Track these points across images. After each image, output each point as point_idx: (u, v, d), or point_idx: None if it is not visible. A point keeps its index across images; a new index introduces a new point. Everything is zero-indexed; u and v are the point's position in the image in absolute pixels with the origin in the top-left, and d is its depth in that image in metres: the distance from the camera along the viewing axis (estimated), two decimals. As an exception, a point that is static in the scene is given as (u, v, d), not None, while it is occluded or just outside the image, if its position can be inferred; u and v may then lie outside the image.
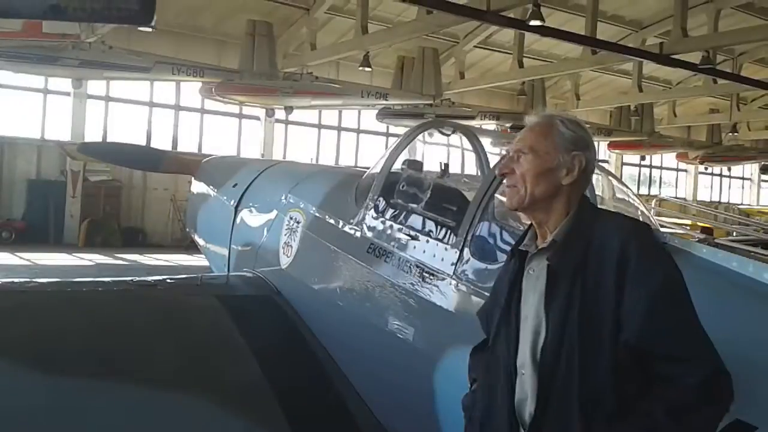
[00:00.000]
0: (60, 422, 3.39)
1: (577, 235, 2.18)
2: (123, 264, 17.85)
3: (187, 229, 8.63)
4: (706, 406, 1.98)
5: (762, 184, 40.17)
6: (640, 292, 2.03)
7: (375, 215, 4.29)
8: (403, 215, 4.15)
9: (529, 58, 23.68)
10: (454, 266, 3.55)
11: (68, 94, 21.24)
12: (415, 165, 4.57)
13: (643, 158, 33.15)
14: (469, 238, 3.54)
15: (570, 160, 2.25)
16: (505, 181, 2.35)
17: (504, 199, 4.35)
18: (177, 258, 18.84)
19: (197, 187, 7.71)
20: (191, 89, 22.41)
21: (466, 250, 3.53)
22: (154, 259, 19.04)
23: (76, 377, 3.63)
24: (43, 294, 4.60)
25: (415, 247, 3.87)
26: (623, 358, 2.03)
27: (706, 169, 36.36)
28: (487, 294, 3.29)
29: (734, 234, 16.09)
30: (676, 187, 36.73)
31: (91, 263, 17.51)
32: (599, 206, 2.98)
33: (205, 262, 7.68)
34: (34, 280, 5.28)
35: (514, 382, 2.20)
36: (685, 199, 34.04)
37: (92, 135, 21.32)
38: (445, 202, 4.06)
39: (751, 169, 39.08)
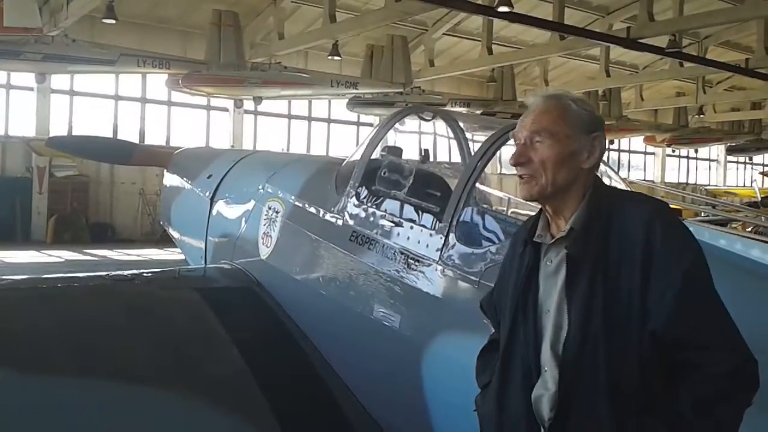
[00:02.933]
0: (38, 421, 3.31)
1: (596, 221, 2.07)
2: (93, 260, 17.58)
3: (161, 222, 8.50)
4: (735, 395, 1.92)
5: (728, 165, 40.79)
6: (667, 280, 1.95)
7: (357, 203, 4.24)
8: (385, 202, 4.11)
9: (498, 44, 23.71)
10: (439, 252, 3.52)
11: (32, 89, 20.84)
12: (395, 151, 4.52)
13: (611, 142, 33.41)
14: (454, 223, 3.51)
15: (590, 143, 2.14)
16: (517, 170, 2.16)
17: (485, 188, 4.38)
18: (148, 252, 18.62)
19: (170, 179, 7.58)
20: (157, 81, 22.05)
21: (452, 236, 3.50)
22: (125, 254, 18.77)
23: (54, 375, 3.56)
24: (17, 291, 4.48)
25: (399, 234, 3.83)
26: (649, 349, 1.95)
27: (673, 151, 36.80)
28: (474, 279, 3.30)
29: (702, 214, 16.24)
30: (645, 170, 37.11)
31: (60, 260, 17.21)
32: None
33: (179, 256, 7.56)
34: (5, 277, 5.15)
35: (532, 380, 2.08)
36: (653, 181, 34.40)
37: (57, 130, 20.89)
38: (428, 188, 4.04)
39: (717, 150, 39.63)
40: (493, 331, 2.46)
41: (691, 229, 2.98)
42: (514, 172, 2.21)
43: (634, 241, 1.99)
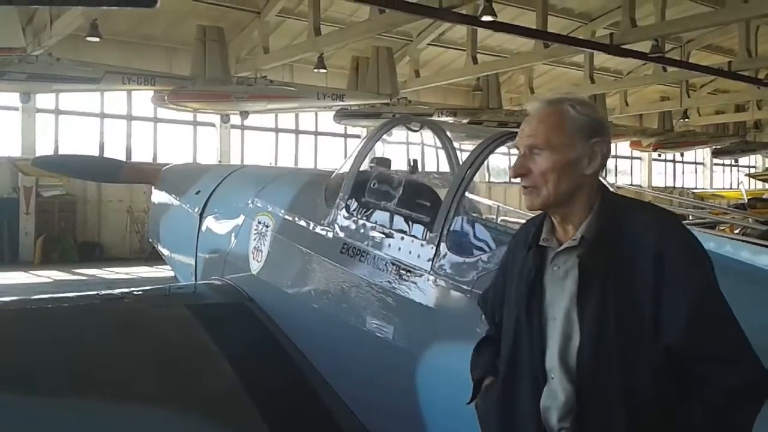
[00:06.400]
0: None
1: (609, 232, 2.03)
2: (82, 279, 17.47)
3: (150, 240, 8.46)
4: (745, 408, 1.91)
5: (714, 167, 41.03)
6: (680, 293, 1.92)
7: (347, 215, 4.24)
8: (375, 213, 4.11)
9: (483, 53, 23.81)
10: (431, 262, 3.52)
11: (16, 108, 20.72)
12: (383, 162, 4.53)
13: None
14: (445, 232, 3.51)
15: (590, 148, 2.07)
16: (520, 181, 2.12)
17: (475, 197, 4.39)
18: (137, 270, 18.53)
19: (158, 196, 7.56)
20: (143, 98, 22.03)
21: (443, 245, 3.50)
22: (114, 272, 18.67)
23: (47, 396, 3.52)
24: (6, 312, 4.44)
25: (390, 245, 3.82)
26: (663, 360, 1.93)
27: (659, 155, 37.00)
28: (466, 288, 3.30)
29: (690, 218, 16.32)
30: (631, 174, 37.25)
31: (48, 280, 17.10)
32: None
33: (168, 273, 7.53)
34: (-7, 299, 5.11)
35: (540, 387, 2.06)
36: (640, 186, 34.60)
37: (43, 149, 20.77)
38: (418, 198, 4.04)
39: (703, 153, 39.88)
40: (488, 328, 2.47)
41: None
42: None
43: (646, 251, 1.96)
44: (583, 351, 1.98)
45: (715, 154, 38.53)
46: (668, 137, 33.88)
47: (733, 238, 3.33)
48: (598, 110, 2.17)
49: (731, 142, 36.67)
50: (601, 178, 2.18)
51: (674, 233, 2.01)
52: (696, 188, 38.09)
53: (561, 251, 2.09)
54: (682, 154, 38.28)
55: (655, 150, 35.12)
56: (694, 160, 40.31)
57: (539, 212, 2.24)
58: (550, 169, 2.06)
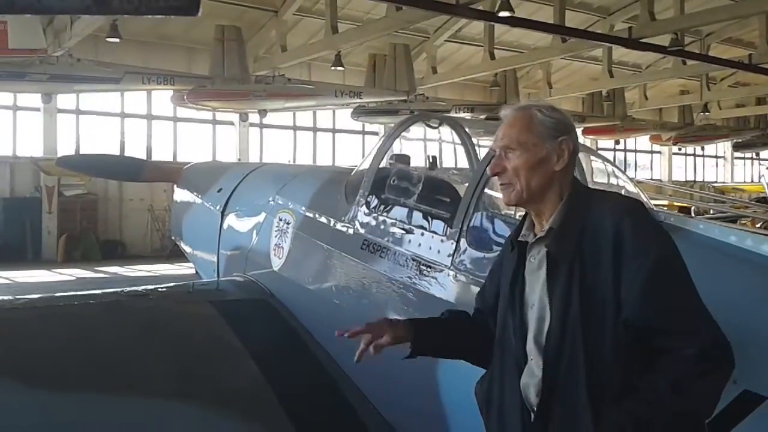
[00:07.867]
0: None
1: (573, 220, 2.22)
2: (104, 277, 17.67)
3: (173, 237, 8.56)
4: (706, 376, 2.01)
5: (735, 161, 40.63)
6: (635, 270, 2.07)
7: (367, 211, 4.28)
8: (395, 210, 4.15)
9: (500, 49, 23.72)
10: (451, 257, 3.55)
11: (38, 109, 20.96)
12: (403, 159, 4.56)
13: (617, 142, 33.39)
14: (465, 228, 3.54)
15: (558, 146, 2.28)
16: (498, 180, 2.37)
17: (494, 193, 4.41)
18: (158, 268, 18.70)
19: (180, 194, 7.64)
20: (163, 98, 22.21)
21: (463, 241, 3.53)
22: (136, 270, 18.86)
23: (74, 392, 3.59)
24: (33, 310, 4.53)
25: (410, 241, 3.86)
26: (625, 338, 2.07)
27: (679, 149, 36.65)
28: (487, 283, 3.32)
29: (711, 212, 16.18)
30: (651, 169, 37.00)
31: (71, 278, 17.31)
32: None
33: (189, 270, 7.61)
34: (20, 297, 5.19)
35: (521, 369, 2.24)
36: (660, 180, 34.33)
37: (64, 149, 21.01)
38: (438, 195, 4.06)
39: (723, 147, 39.47)
40: None
41: (701, 226, 3.02)
42: None
43: (605, 236, 2.13)
44: (551, 332, 2.17)
45: (736, 147, 38.11)
46: (688, 131, 33.58)
47: (755, 232, 3.33)
48: (563, 114, 2.36)
49: (752, 136, 36.27)
50: (575, 174, 2.37)
51: (630, 216, 2.16)
52: (717, 182, 37.67)
53: (533, 243, 2.31)
54: (702, 148, 37.89)
55: (675, 144, 34.79)
56: (714, 154, 39.91)
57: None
58: (522, 167, 2.29)
